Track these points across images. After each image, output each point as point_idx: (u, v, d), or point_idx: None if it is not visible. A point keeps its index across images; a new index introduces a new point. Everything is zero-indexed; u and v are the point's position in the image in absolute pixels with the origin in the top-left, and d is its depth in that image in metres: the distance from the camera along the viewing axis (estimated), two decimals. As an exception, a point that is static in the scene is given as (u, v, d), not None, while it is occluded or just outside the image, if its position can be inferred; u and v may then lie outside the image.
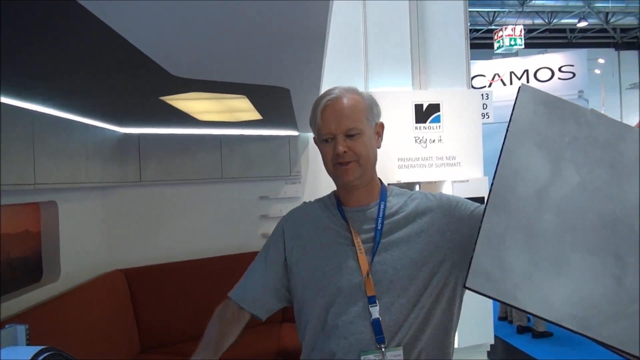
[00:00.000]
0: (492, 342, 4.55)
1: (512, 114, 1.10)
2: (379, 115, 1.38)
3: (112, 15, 1.16)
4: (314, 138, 1.41)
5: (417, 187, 4.35)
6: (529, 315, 5.59)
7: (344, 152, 1.28)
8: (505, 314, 6.06)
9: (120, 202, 3.62)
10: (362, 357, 1.21)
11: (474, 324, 4.37)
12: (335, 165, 1.31)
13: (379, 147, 1.38)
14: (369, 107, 1.34)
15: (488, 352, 4.60)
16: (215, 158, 3.95)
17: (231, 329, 1.39)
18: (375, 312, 1.23)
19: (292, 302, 1.41)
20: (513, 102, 1.11)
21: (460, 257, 1.29)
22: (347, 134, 1.29)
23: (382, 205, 1.36)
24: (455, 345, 4.38)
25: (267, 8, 1.23)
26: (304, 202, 1.51)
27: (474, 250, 1.01)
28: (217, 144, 3.96)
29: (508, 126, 1.10)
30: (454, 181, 4.17)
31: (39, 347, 1.38)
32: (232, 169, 4.03)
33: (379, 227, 1.32)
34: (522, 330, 5.53)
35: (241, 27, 1.37)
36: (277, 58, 1.69)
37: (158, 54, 1.55)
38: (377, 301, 1.24)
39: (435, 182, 4.25)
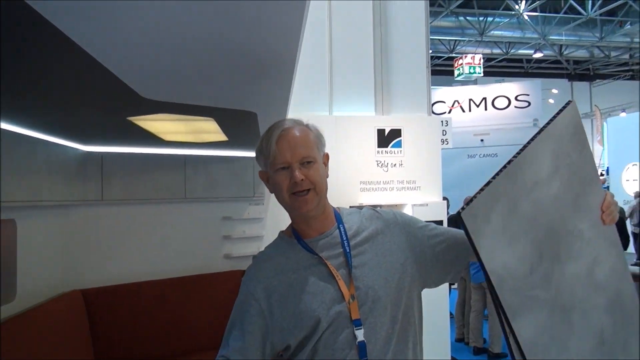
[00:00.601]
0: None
1: (553, 118, 1.35)
2: (324, 145, 1.41)
3: (85, 37, 1.19)
4: (262, 172, 1.41)
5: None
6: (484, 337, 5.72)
7: (301, 180, 1.30)
8: (462, 335, 6.17)
9: (81, 221, 3.57)
10: None
11: (431, 345, 4.44)
12: (291, 196, 1.32)
13: (327, 177, 1.40)
14: (317, 138, 1.38)
15: (445, 373, 4.68)
16: (179, 178, 3.95)
17: None
18: (360, 335, 1.26)
19: (279, 349, 1.36)
20: (556, 114, 1.37)
21: (417, 270, 1.38)
22: (302, 162, 1.31)
23: (341, 227, 1.39)
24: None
25: (239, 35, 1.28)
26: (255, 257, 1.47)
27: (479, 191, 1.19)
28: (181, 164, 3.96)
29: (546, 125, 1.34)
30: (414, 204, 4.27)
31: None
32: (196, 189, 4.03)
33: (347, 250, 1.35)
34: (478, 351, 5.65)
35: (213, 52, 1.41)
36: (247, 83, 1.74)
37: (129, 76, 1.57)
38: (362, 323, 1.27)
39: (396, 205, 4.35)
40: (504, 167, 1.22)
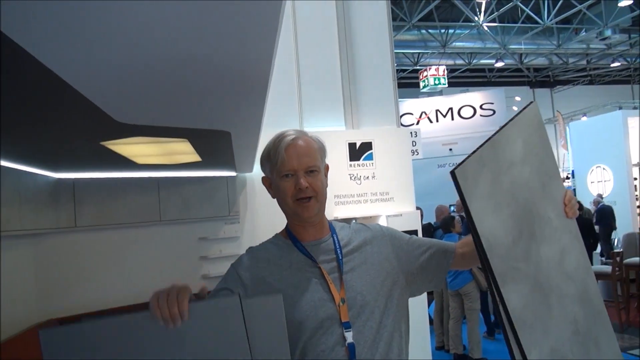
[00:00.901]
0: (431, 366, 4.68)
1: (519, 112, 1.47)
2: (326, 156, 1.51)
3: (57, 61, 1.20)
4: (265, 177, 1.49)
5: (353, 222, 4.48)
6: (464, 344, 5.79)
7: (306, 187, 1.38)
8: (442, 343, 6.23)
9: (54, 248, 3.52)
10: None
11: (412, 353, 4.48)
12: (295, 202, 1.40)
13: (327, 186, 1.48)
14: (321, 149, 1.47)
15: (427, 381, 4.72)
16: (153, 200, 3.93)
17: None
18: (349, 337, 1.31)
19: None
20: (519, 110, 1.49)
21: (404, 278, 1.46)
22: (307, 170, 1.40)
23: (335, 237, 1.47)
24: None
25: (213, 55, 1.31)
26: (250, 248, 1.52)
27: (467, 157, 1.27)
28: (154, 186, 3.94)
29: (514, 116, 1.44)
30: (388, 215, 4.33)
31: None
32: (171, 211, 4.01)
33: (340, 257, 1.42)
34: (458, 358, 5.70)
35: (187, 73, 1.43)
36: (221, 104, 1.77)
37: (102, 99, 1.59)
38: (351, 326, 1.32)
39: (370, 217, 4.41)
40: (489, 138, 1.32)
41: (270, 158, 1.44)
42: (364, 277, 1.41)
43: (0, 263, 2.44)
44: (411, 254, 1.51)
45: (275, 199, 1.49)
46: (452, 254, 1.55)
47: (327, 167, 1.52)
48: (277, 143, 1.43)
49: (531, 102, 1.53)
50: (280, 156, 1.40)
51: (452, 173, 1.22)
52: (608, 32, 15.50)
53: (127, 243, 3.89)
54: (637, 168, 11.65)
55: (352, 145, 4.48)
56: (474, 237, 1.24)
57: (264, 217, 4.08)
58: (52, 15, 0.90)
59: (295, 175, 1.40)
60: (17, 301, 3.05)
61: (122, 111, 1.70)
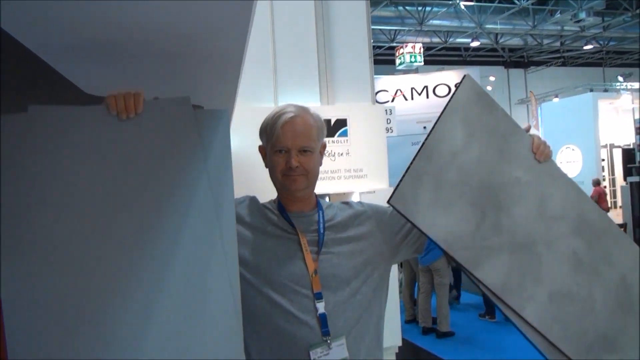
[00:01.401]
0: (400, 344, 4.80)
1: (454, 94, 1.50)
2: (324, 136, 1.54)
3: (30, 38, 1.19)
4: (262, 147, 1.54)
5: (327, 199, 4.52)
6: (433, 309, 5.94)
7: (296, 166, 1.42)
8: (412, 317, 6.37)
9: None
10: (310, 351, 1.32)
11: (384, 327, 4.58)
12: (283, 176, 1.44)
13: (320, 165, 1.52)
14: (319, 129, 1.50)
15: (396, 353, 4.84)
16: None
17: None
18: (321, 307, 1.35)
19: None
20: (454, 91, 1.52)
21: (387, 249, 1.52)
22: (300, 150, 1.43)
23: (321, 212, 1.51)
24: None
25: (185, 28, 1.30)
26: (249, 197, 1.56)
27: (402, 177, 1.36)
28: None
29: (449, 101, 1.48)
30: (362, 192, 4.37)
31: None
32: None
33: (321, 231, 1.46)
34: (426, 331, 5.86)
35: (158, 45, 1.42)
36: (194, 78, 1.76)
37: (71, 72, 1.57)
38: (323, 297, 1.36)
39: (344, 193, 4.44)
40: (417, 152, 1.39)
41: (267, 130, 1.48)
42: (343, 253, 1.45)
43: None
44: (394, 227, 1.55)
45: (267, 169, 1.54)
46: None
47: (324, 146, 1.55)
48: (275, 118, 1.47)
49: (464, 77, 1.54)
50: (277, 132, 1.44)
51: (389, 203, 1.33)
52: (582, 15, 15.66)
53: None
54: (606, 150, 11.92)
55: (326, 122, 4.48)
56: (436, 245, 1.36)
57: (237, 191, 4.08)
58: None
59: (288, 152, 1.43)
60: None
61: (91, 83, 1.68)
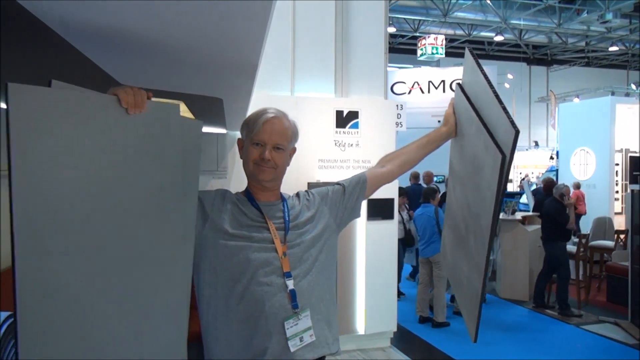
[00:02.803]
0: (395, 329, 5.02)
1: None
2: (296, 141, 1.75)
3: (74, 34, 1.38)
4: (240, 140, 1.74)
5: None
6: (430, 304, 6.12)
7: (268, 160, 1.63)
8: (425, 315, 6.53)
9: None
10: (285, 323, 1.54)
11: (379, 312, 4.81)
12: (254, 165, 1.65)
13: (288, 165, 1.74)
14: (294, 133, 1.72)
15: (391, 338, 5.06)
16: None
17: None
18: (290, 284, 1.58)
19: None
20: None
21: (334, 222, 1.78)
22: (274, 146, 1.64)
23: (285, 203, 1.74)
24: (362, 332, 4.86)
25: (210, 33, 1.49)
26: (225, 189, 1.76)
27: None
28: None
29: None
30: (368, 183, 4.55)
31: (7, 313, 1.59)
32: (161, 162, 4.19)
33: (287, 218, 1.68)
34: (423, 320, 6.06)
35: (186, 47, 1.62)
36: (216, 75, 1.95)
37: (109, 65, 1.77)
38: (292, 275, 1.59)
39: (351, 182, 4.63)
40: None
41: (249, 125, 1.68)
42: (305, 235, 1.68)
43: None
44: (337, 201, 1.81)
45: (241, 160, 1.74)
46: (365, 182, 1.87)
47: (293, 150, 1.76)
48: (258, 115, 1.67)
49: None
50: (258, 126, 1.64)
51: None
52: (609, 16, 15.51)
53: None
54: (621, 154, 11.89)
55: (339, 113, 4.67)
56: None
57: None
58: None
59: (263, 146, 1.64)
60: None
61: (126, 76, 1.88)
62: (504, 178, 1.52)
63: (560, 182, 10.06)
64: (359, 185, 1.86)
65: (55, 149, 1.03)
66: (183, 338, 1.48)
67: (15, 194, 0.94)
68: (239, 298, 1.56)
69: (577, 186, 10.82)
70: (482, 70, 1.71)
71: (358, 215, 1.90)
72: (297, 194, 1.82)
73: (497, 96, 1.60)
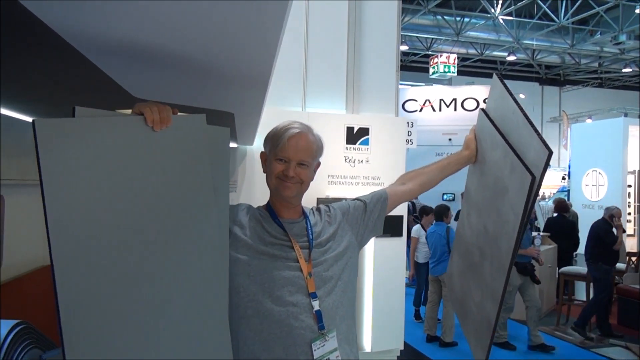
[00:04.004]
0: (402, 347, 4.97)
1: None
2: (321, 155, 1.72)
3: (84, 43, 1.41)
4: (263, 153, 1.72)
5: (343, 203, 4.72)
6: (439, 324, 6.07)
7: (292, 177, 1.59)
8: (433, 334, 6.47)
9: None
10: (312, 344, 1.49)
11: (386, 330, 4.77)
12: (278, 180, 1.61)
13: (312, 179, 1.70)
14: (319, 149, 1.69)
15: (398, 356, 5.01)
16: (157, 163, 4.13)
17: None
18: (316, 305, 1.53)
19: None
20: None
21: (355, 240, 1.75)
22: (299, 162, 1.61)
23: (307, 220, 1.69)
24: (368, 349, 4.77)
25: (223, 50, 1.51)
26: (246, 204, 1.72)
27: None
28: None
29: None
30: (377, 199, 4.55)
31: (14, 321, 1.60)
32: (172, 175, 4.21)
33: (311, 237, 1.64)
34: (431, 339, 6.00)
35: (198, 62, 1.64)
36: (227, 90, 1.98)
37: (122, 78, 1.80)
38: (317, 296, 1.54)
39: (360, 199, 4.63)
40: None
41: (273, 140, 1.65)
42: (328, 252, 1.63)
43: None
44: (358, 218, 1.77)
45: (265, 174, 1.71)
46: (386, 199, 1.85)
47: (318, 164, 1.73)
48: (284, 130, 1.65)
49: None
50: (282, 142, 1.61)
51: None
52: (623, 37, 15.52)
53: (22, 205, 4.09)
54: (633, 176, 11.80)
55: (350, 129, 4.69)
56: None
57: (260, 188, 4.29)
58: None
59: (288, 162, 1.60)
60: (29, 244, 3.29)
61: (139, 88, 1.91)
62: (531, 200, 1.53)
63: (572, 202, 9.99)
64: (380, 203, 1.83)
65: (85, 174, 1.05)
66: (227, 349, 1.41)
67: (50, 227, 0.97)
68: (262, 318, 1.51)
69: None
70: (511, 95, 1.74)
71: (379, 233, 1.87)
72: (318, 209, 1.79)
73: (527, 119, 1.62)
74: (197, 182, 1.35)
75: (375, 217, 1.81)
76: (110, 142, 1.11)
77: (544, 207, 12.40)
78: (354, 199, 1.84)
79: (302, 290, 1.53)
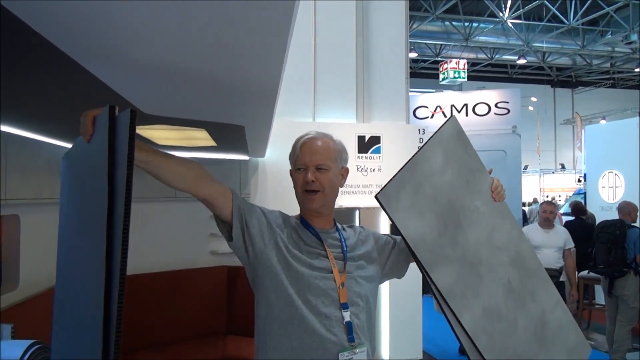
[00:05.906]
0: (420, 357, 4.93)
1: (440, 127, 1.76)
2: (346, 160, 1.69)
3: (96, 66, 1.43)
4: (290, 171, 1.69)
5: (357, 212, 4.71)
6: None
7: (312, 181, 1.57)
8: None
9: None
10: (339, 354, 1.48)
11: (404, 339, 4.74)
12: (303, 192, 1.59)
13: (341, 187, 1.67)
14: (339, 151, 1.66)
15: (417, 366, 4.97)
16: (170, 178, 4.16)
17: (196, 183, 1.65)
18: (347, 316, 1.52)
19: (253, 284, 1.60)
20: (440, 126, 1.78)
21: (380, 272, 1.72)
22: (317, 167, 1.59)
23: (340, 232, 1.68)
24: (386, 358, 4.75)
25: (231, 67, 1.52)
26: (285, 213, 1.71)
27: (390, 180, 1.61)
28: (172, 165, 4.17)
29: (435, 132, 1.74)
30: (391, 208, 4.53)
31: (30, 341, 1.61)
32: (185, 189, 4.24)
33: (345, 249, 1.63)
34: (464, 351, 5.93)
35: (208, 79, 1.65)
36: (237, 104, 1.99)
37: (134, 96, 1.82)
38: (348, 307, 1.53)
39: (374, 207, 4.61)
40: (406, 163, 1.64)
41: (292, 153, 1.66)
42: (360, 270, 1.62)
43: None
44: (387, 252, 1.74)
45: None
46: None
47: (346, 170, 1.70)
48: (297, 141, 1.66)
49: (450, 117, 1.81)
50: (296, 152, 1.62)
51: (376, 197, 1.55)
52: (634, 37, 15.39)
53: (144, 216, 4.13)
54: (650, 176, 11.61)
55: (361, 138, 4.69)
56: (404, 241, 1.60)
57: (273, 200, 4.30)
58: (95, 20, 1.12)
59: (306, 169, 1.59)
60: (44, 262, 3.32)
61: (150, 106, 1.93)
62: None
63: (589, 204, 9.86)
64: (406, 254, 1.74)
65: None
66: None
67: None
68: (297, 324, 1.50)
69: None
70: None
71: (401, 276, 1.82)
72: (351, 226, 1.76)
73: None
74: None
75: (402, 260, 1.77)
76: None
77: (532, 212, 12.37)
78: (384, 235, 1.82)
79: (334, 303, 1.53)
